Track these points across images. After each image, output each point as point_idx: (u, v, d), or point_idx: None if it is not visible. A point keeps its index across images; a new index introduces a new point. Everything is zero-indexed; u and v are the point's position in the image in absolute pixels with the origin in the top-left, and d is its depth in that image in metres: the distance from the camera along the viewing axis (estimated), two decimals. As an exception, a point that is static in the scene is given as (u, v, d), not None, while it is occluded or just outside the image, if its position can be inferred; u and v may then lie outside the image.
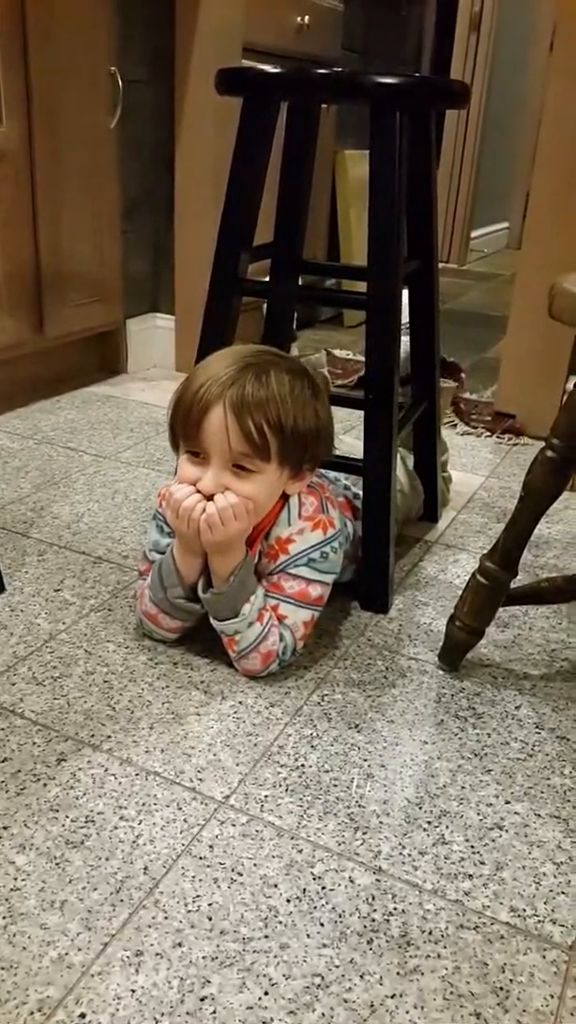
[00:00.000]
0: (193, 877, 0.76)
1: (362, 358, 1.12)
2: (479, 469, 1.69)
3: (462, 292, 3.40)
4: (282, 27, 2.19)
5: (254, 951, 0.70)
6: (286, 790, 0.86)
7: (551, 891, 0.77)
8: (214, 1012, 0.65)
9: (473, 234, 4.12)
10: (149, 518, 1.07)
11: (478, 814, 0.85)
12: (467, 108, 3.33)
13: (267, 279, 1.33)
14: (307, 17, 2.25)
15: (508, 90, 3.98)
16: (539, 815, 0.85)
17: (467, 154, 3.85)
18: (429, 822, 0.84)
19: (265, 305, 1.50)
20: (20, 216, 1.69)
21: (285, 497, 1.01)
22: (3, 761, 0.88)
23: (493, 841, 0.82)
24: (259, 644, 0.99)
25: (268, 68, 1.15)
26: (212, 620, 1.00)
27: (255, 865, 0.78)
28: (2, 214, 1.65)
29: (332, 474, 1.20)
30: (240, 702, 0.98)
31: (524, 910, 0.75)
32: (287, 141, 1.26)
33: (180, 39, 1.88)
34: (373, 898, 0.75)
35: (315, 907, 0.74)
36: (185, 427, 0.94)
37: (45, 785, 0.85)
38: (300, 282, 1.40)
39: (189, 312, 2.04)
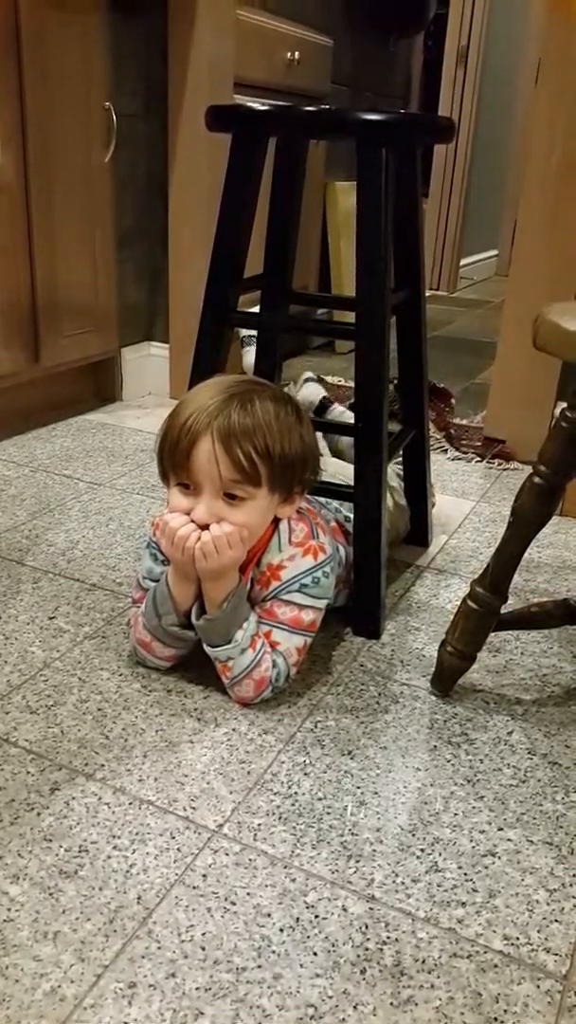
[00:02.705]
0: (187, 907, 0.76)
1: (353, 384, 1.14)
2: (469, 494, 1.70)
3: (452, 319, 3.44)
4: (273, 63, 2.23)
5: (247, 982, 0.70)
6: (279, 818, 0.86)
7: (544, 919, 0.77)
8: (207, 1044, 0.65)
9: (463, 262, 4.17)
10: (143, 545, 1.08)
11: (471, 841, 0.85)
12: (454, 141, 3.38)
13: (257, 309, 1.35)
14: (297, 53, 2.30)
15: (495, 122, 4.05)
16: (532, 841, 0.85)
17: (456, 184, 3.91)
18: (422, 849, 0.84)
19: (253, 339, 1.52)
20: (16, 247, 1.71)
21: (275, 522, 1.02)
22: (-4, 791, 0.88)
23: (486, 868, 0.82)
24: (252, 670, 0.99)
25: (256, 105, 1.17)
26: (205, 646, 1.01)
27: (248, 894, 0.78)
28: (-3, 246, 1.67)
29: (322, 499, 1.21)
30: (233, 729, 0.98)
31: (518, 938, 0.75)
32: (276, 175, 1.28)
33: (173, 74, 1.92)
34: (366, 927, 0.75)
35: (308, 936, 0.74)
36: (174, 459, 0.95)
37: (39, 814, 0.85)
38: (290, 311, 1.41)
39: (183, 341, 2.06)
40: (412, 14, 2.90)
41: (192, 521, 0.95)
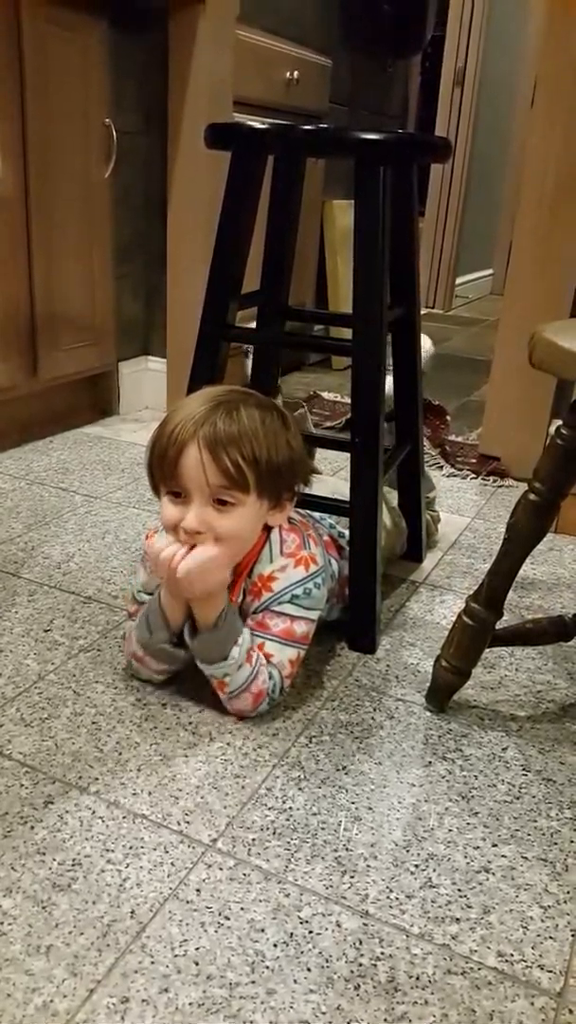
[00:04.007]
0: (180, 921, 0.76)
1: (349, 400, 1.15)
2: (465, 510, 1.71)
3: (448, 337, 3.46)
4: (272, 82, 2.26)
5: (240, 997, 0.69)
6: (273, 833, 0.86)
7: (538, 935, 0.77)
8: (200, 1060, 0.65)
9: (458, 280, 4.20)
10: (138, 558, 1.08)
11: (465, 857, 0.85)
12: (451, 161, 3.42)
13: (254, 325, 1.36)
14: (296, 72, 2.33)
15: (491, 142, 4.10)
16: (526, 858, 0.85)
17: (452, 203, 3.94)
18: (416, 865, 0.83)
19: (251, 350, 1.53)
20: (15, 261, 1.72)
21: (267, 531, 1.02)
22: (-10, 804, 0.87)
23: (480, 884, 0.82)
24: (250, 684, 0.99)
25: (255, 123, 1.19)
26: (200, 664, 1.01)
27: (242, 909, 0.77)
28: (-3, 260, 1.68)
29: (317, 515, 1.21)
30: (228, 743, 0.98)
31: (512, 955, 0.75)
32: (273, 193, 1.29)
33: (173, 92, 1.94)
34: (360, 942, 0.75)
35: (302, 952, 0.74)
36: (163, 468, 0.96)
37: (32, 828, 0.84)
38: (287, 328, 1.42)
39: (180, 355, 2.07)
40: (410, 36, 2.94)
41: (183, 529, 0.95)
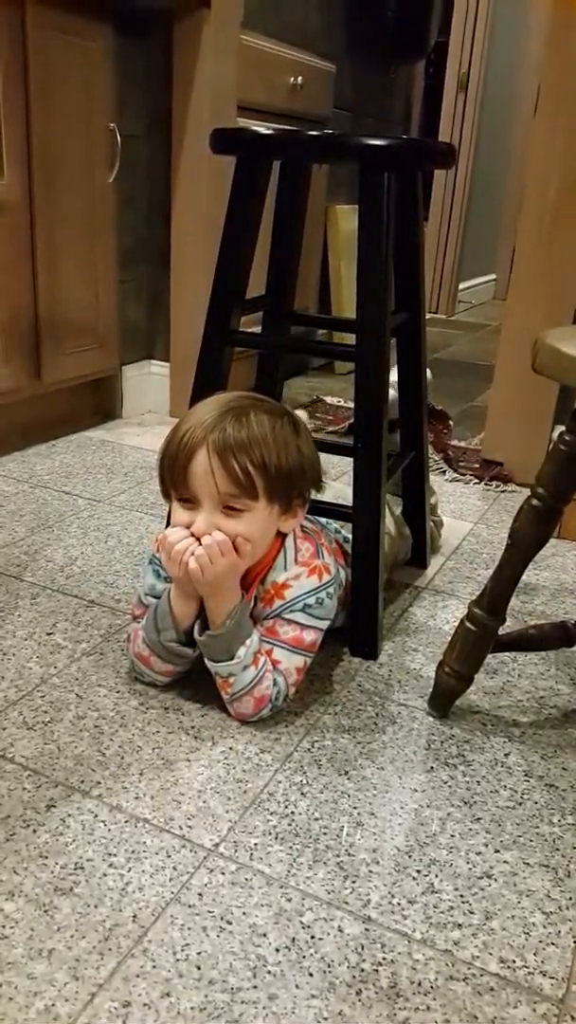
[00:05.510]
0: (182, 926, 0.76)
1: (352, 405, 1.15)
2: (468, 515, 1.71)
3: (450, 342, 3.47)
4: (276, 87, 2.27)
5: (242, 1002, 0.69)
6: (276, 838, 0.86)
7: (541, 942, 0.77)
8: (202, 1065, 0.65)
9: (461, 286, 4.21)
10: (142, 562, 1.09)
11: (467, 863, 0.85)
12: (454, 167, 3.42)
13: (259, 330, 1.36)
14: (300, 77, 2.33)
15: (495, 148, 4.10)
16: (528, 864, 0.85)
17: (455, 209, 3.95)
18: (419, 871, 0.83)
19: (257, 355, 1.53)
20: (19, 265, 1.72)
21: (282, 540, 1.02)
22: (-8, 807, 0.87)
23: (482, 890, 0.82)
24: (253, 688, 0.99)
25: (261, 129, 1.19)
26: (207, 661, 1.01)
27: (244, 914, 0.77)
28: (1, 263, 1.68)
29: (323, 520, 1.22)
30: (230, 748, 0.98)
31: (514, 961, 0.75)
32: (279, 198, 1.30)
33: (177, 97, 1.95)
34: (362, 947, 0.75)
35: (304, 957, 0.74)
36: (173, 474, 0.96)
37: (35, 831, 0.84)
38: (291, 332, 1.43)
39: (184, 359, 2.08)
40: (413, 41, 2.95)
41: (192, 535, 0.95)
